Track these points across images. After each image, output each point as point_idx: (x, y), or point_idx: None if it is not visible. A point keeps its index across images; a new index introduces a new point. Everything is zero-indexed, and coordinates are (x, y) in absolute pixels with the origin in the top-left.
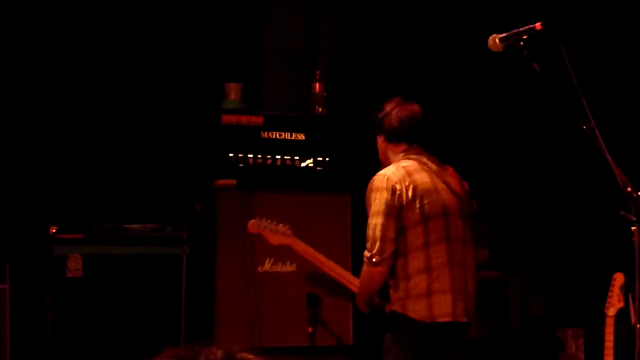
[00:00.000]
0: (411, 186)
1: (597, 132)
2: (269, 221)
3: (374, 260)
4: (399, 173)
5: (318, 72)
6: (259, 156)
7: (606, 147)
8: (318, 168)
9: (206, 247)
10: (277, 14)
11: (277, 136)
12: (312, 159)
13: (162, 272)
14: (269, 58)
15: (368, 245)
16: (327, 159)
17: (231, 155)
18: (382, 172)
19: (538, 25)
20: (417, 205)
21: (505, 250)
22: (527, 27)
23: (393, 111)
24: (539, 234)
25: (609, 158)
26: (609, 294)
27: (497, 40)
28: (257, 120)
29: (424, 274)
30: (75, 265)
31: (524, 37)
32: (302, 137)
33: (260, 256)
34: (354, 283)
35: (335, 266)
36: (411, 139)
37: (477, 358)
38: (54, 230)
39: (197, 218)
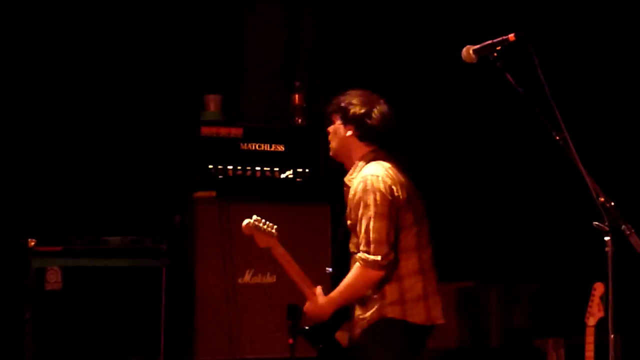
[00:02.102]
0: (402, 187)
1: (570, 143)
2: (262, 220)
3: (380, 263)
4: (389, 174)
5: (297, 83)
6: (239, 167)
7: (579, 157)
8: (298, 179)
9: (186, 259)
10: (257, 25)
11: (257, 147)
12: (291, 170)
13: (141, 284)
14: (248, 69)
15: (371, 248)
16: (307, 170)
17: (211, 166)
18: (372, 172)
19: (511, 36)
20: (411, 207)
21: (486, 260)
22: (500, 38)
23: (374, 109)
24: (521, 244)
25: (582, 168)
26: (589, 303)
27: (470, 52)
28: (237, 131)
29: (419, 275)
30: (54, 278)
31: (498, 48)
32: (281, 148)
33: (240, 267)
34: (313, 291)
35: (299, 271)
36: (384, 142)
37: None
38: (32, 243)
39: (177, 230)
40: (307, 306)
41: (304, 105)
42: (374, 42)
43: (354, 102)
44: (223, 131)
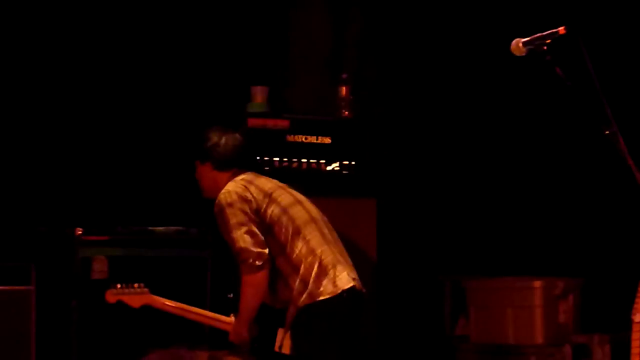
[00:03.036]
0: (257, 188)
1: (620, 137)
2: (123, 285)
3: (257, 264)
4: (239, 184)
5: (344, 75)
6: (285, 159)
7: (628, 151)
8: (344, 172)
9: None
10: (303, 16)
11: (303, 140)
12: (338, 163)
13: (187, 274)
14: (295, 61)
15: (242, 256)
16: (353, 163)
17: (257, 158)
18: (222, 191)
19: (561, 29)
20: (271, 200)
21: (531, 254)
22: (550, 32)
23: (221, 140)
24: (567, 239)
25: (631, 162)
26: (636, 299)
27: (520, 44)
28: (283, 123)
29: (310, 256)
30: (100, 267)
31: (547, 41)
32: (328, 140)
33: None
34: (225, 321)
35: (201, 310)
36: (240, 164)
37: None
38: (79, 232)
39: None
40: (229, 336)
41: (351, 97)
42: (420, 32)
43: (204, 140)
44: (269, 123)
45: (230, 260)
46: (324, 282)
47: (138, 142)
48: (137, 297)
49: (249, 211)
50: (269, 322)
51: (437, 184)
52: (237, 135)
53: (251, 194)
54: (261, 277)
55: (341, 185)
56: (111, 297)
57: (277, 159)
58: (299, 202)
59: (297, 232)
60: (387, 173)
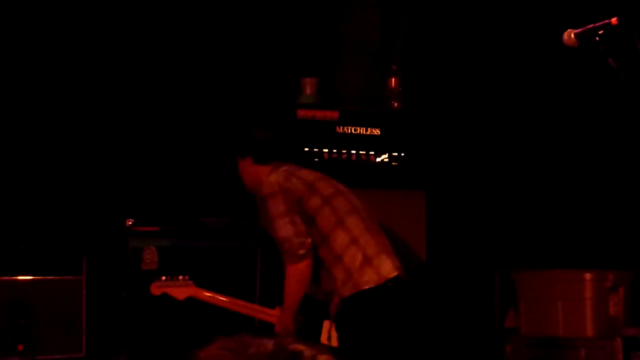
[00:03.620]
0: (298, 179)
1: None
2: (168, 277)
3: (299, 253)
4: (281, 174)
5: (394, 67)
6: (334, 151)
7: None
8: (393, 163)
9: None
10: (353, 8)
11: (353, 131)
12: (387, 154)
13: (237, 265)
14: (344, 52)
15: (285, 246)
16: (403, 155)
17: (306, 149)
18: (265, 180)
19: (614, 20)
20: (313, 191)
21: (581, 246)
22: (602, 22)
23: (259, 134)
24: (618, 230)
25: None
26: None
27: (572, 35)
28: (333, 115)
29: (353, 246)
30: (150, 258)
31: (600, 32)
32: (377, 132)
33: None
34: (269, 313)
35: (245, 303)
36: (280, 156)
37: (552, 357)
38: (130, 223)
39: None
40: (275, 328)
41: (400, 89)
42: (471, 23)
43: (243, 135)
44: (319, 114)
45: (279, 251)
46: (368, 271)
47: (189, 134)
48: (181, 289)
49: (291, 201)
50: (313, 314)
51: (486, 176)
52: (276, 128)
53: (293, 184)
54: (304, 266)
55: (390, 177)
56: (156, 289)
57: (327, 150)
58: (341, 193)
59: (340, 222)
60: (437, 165)
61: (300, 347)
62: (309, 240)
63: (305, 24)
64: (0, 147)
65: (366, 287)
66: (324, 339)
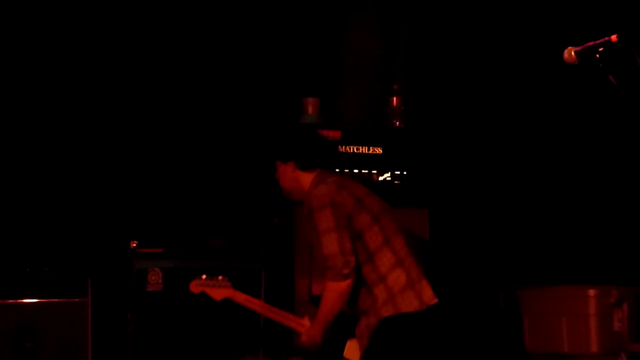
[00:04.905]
0: (348, 192)
1: None
2: (208, 276)
3: (344, 272)
4: (331, 186)
5: (395, 86)
6: (337, 170)
7: None
8: (396, 182)
9: (284, 261)
10: (355, 29)
11: (355, 150)
12: (389, 173)
13: (241, 285)
14: (346, 73)
15: (330, 263)
16: (405, 173)
17: None
18: (314, 192)
19: (614, 37)
20: (363, 207)
21: (585, 262)
22: (602, 40)
23: (305, 139)
24: (622, 246)
25: None
26: None
27: (572, 53)
28: (335, 134)
29: (398, 267)
30: (155, 279)
31: (600, 49)
32: (379, 150)
33: None
34: (299, 322)
35: (279, 310)
36: (324, 164)
37: None
38: (134, 245)
39: (275, 232)
40: (301, 337)
41: (402, 107)
42: (472, 44)
43: (287, 139)
44: (321, 134)
45: (284, 272)
46: (410, 295)
47: (192, 156)
48: (220, 290)
49: (340, 216)
50: (337, 328)
51: (488, 193)
52: (322, 135)
53: (343, 198)
54: (346, 285)
55: (393, 195)
56: (195, 287)
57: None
58: (387, 211)
59: (386, 242)
60: (439, 183)
61: None
62: (354, 259)
63: (307, 45)
64: (5, 170)
65: (407, 311)
66: (347, 355)
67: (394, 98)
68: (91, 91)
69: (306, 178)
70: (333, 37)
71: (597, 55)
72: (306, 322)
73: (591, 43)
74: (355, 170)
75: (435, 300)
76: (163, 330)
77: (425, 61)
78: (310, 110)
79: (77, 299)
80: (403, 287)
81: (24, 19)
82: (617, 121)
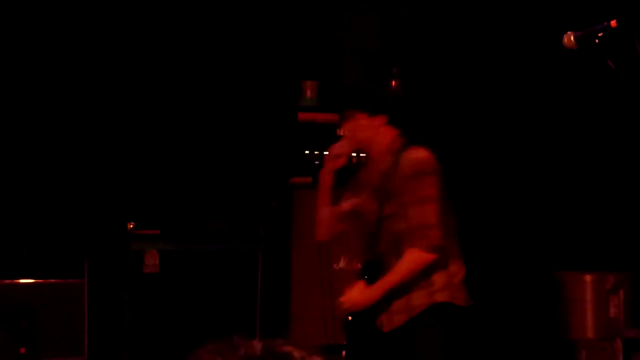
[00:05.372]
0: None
1: None
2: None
3: (435, 244)
4: (433, 155)
5: (394, 70)
6: None
7: None
8: None
9: (282, 244)
10: (353, 12)
11: None
12: None
13: (238, 268)
14: (345, 56)
15: (424, 232)
16: None
17: (307, 152)
18: (423, 152)
19: (613, 22)
20: (445, 192)
21: (582, 248)
22: (602, 25)
23: (397, 95)
24: (618, 233)
25: None
26: None
27: (572, 38)
28: (333, 117)
29: (459, 260)
30: (152, 261)
31: (599, 34)
32: None
33: (335, 253)
34: None
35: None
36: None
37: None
38: (131, 226)
39: (273, 215)
40: (352, 295)
41: (401, 91)
42: (470, 30)
43: (379, 90)
44: (320, 117)
45: (281, 255)
46: (464, 291)
47: (190, 138)
48: None
49: (442, 188)
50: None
51: (486, 180)
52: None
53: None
54: (432, 258)
55: None
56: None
57: (328, 153)
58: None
59: (455, 234)
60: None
61: (289, 348)
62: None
63: (306, 28)
64: (2, 151)
65: (458, 304)
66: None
67: (393, 82)
68: (88, 77)
69: (389, 136)
70: (332, 21)
71: (597, 41)
72: (361, 284)
73: (591, 28)
74: (354, 154)
75: (471, 302)
76: (160, 312)
77: (425, 46)
78: (309, 93)
79: (73, 280)
80: (460, 282)
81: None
82: (616, 107)
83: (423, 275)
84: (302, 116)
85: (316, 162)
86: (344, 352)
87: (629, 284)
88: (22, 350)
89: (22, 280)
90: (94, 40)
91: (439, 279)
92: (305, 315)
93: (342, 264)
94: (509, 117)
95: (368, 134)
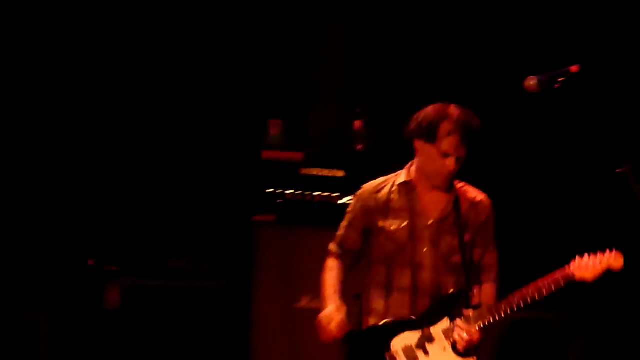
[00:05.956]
0: None
1: (632, 174)
2: None
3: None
4: None
5: (359, 109)
6: (298, 192)
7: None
8: None
9: (243, 282)
10: (320, 51)
11: (317, 172)
12: (350, 196)
13: (199, 306)
14: (311, 95)
15: (497, 270)
16: None
17: (270, 190)
18: (485, 198)
19: (574, 67)
20: None
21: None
22: (563, 70)
23: None
24: None
25: None
26: None
27: (533, 82)
28: (297, 156)
29: None
30: (113, 297)
31: (561, 79)
32: (341, 173)
33: (298, 292)
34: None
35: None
36: None
37: None
38: (92, 262)
39: (236, 252)
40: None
41: (365, 131)
42: (438, 68)
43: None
44: (284, 155)
45: (243, 293)
46: None
47: (154, 173)
48: None
49: None
50: None
51: None
52: None
53: None
54: None
55: None
56: None
57: (291, 191)
58: None
59: None
60: None
61: None
62: None
63: (272, 66)
64: None
65: None
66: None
67: (357, 121)
68: (52, 105)
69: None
70: (299, 59)
71: (558, 85)
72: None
73: (552, 72)
74: (317, 193)
75: None
76: (120, 349)
77: (390, 85)
78: (273, 131)
79: (33, 316)
80: None
81: None
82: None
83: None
84: (267, 154)
85: (279, 201)
86: None
87: (587, 328)
88: None
89: None
90: (41, 71)
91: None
92: (267, 355)
93: (303, 302)
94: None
95: (432, 165)
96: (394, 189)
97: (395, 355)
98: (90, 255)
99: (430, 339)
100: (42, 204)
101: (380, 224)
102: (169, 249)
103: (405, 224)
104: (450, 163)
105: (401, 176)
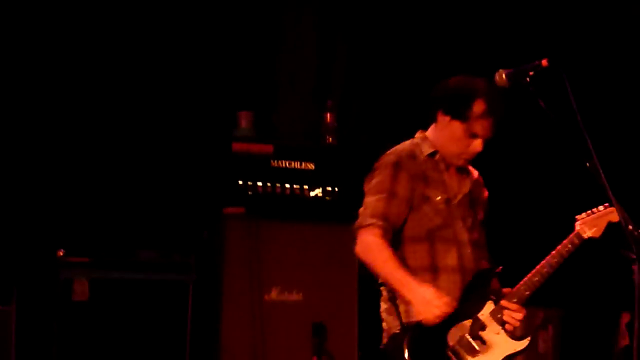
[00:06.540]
0: None
1: (600, 170)
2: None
3: None
4: None
5: (329, 102)
6: (269, 184)
7: (608, 184)
8: (327, 198)
9: (213, 275)
10: (291, 44)
11: (287, 165)
12: (321, 189)
13: (168, 299)
14: (281, 87)
15: None
16: (337, 189)
17: (240, 183)
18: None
19: (544, 61)
20: None
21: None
22: (533, 64)
23: None
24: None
25: (611, 195)
26: (617, 331)
27: (503, 76)
28: (267, 148)
29: None
30: (81, 289)
31: (530, 73)
32: (312, 166)
33: (267, 284)
34: None
35: None
36: None
37: None
38: (61, 254)
39: (205, 245)
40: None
41: (336, 124)
42: (408, 62)
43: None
44: (254, 148)
45: (212, 286)
46: None
47: (123, 165)
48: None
49: None
50: None
51: None
52: None
53: None
54: None
55: (324, 211)
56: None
57: (261, 183)
58: None
59: None
60: None
61: None
62: None
63: (242, 58)
64: None
65: None
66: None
67: (328, 114)
68: (17, 95)
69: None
70: (269, 51)
71: (528, 79)
72: None
73: (522, 66)
74: (287, 185)
75: None
76: (88, 341)
77: (361, 78)
78: (244, 124)
79: (1, 308)
80: None
81: None
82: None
83: None
84: (237, 146)
85: (249, 193)
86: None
87: (557, 320)
88: None
89: None
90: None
91: None
92: (236, 347)
93: (273, 295)
94: None
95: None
96: (423, 157)
97: (457, 350)
98: (59, 247)
99: (483, 326)
100: (9, 194)
101: (427, 192)
102: (139, 241)
103: (444, 197)
104: (478, 144)
105: (425, 146)
